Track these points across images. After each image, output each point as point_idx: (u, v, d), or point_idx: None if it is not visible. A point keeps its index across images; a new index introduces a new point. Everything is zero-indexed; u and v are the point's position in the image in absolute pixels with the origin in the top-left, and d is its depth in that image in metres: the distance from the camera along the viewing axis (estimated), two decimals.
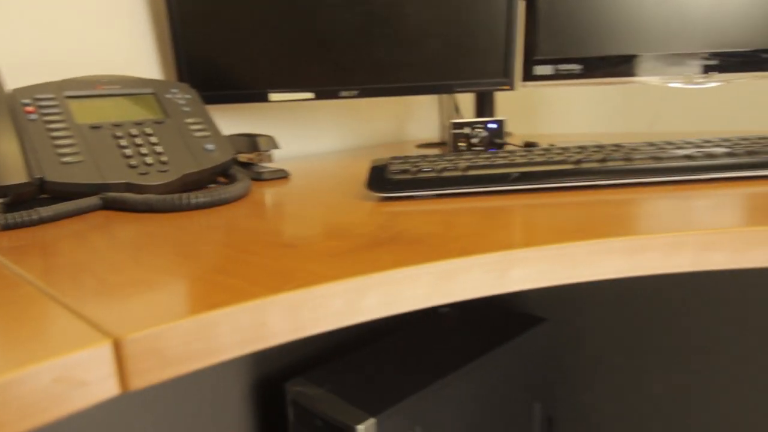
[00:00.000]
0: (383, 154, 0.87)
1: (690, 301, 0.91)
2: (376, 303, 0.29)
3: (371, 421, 0.70)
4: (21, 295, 0.28)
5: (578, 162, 0.50)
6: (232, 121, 0.91)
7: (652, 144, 0.56)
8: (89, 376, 0.22)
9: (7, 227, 0.46)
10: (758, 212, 0.36)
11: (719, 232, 0.32)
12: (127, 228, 0.45)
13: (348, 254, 0.32)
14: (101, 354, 0.22)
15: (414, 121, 1.20)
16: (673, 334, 0.94)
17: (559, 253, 0.31)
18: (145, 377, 0.23)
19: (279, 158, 0.91)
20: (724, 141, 0.56)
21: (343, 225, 0.40)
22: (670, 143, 0.56)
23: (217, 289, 0.27)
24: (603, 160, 0.50)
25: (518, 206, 0.43)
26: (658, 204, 0.41)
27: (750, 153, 0.49)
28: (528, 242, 0.32)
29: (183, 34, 0.76)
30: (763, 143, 0.52)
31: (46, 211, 0.48)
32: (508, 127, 1.35)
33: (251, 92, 0.79)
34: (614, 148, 0.55)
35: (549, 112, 1.34)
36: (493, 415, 0.88)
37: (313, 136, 1.03)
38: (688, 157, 0.50)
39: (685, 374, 0.94)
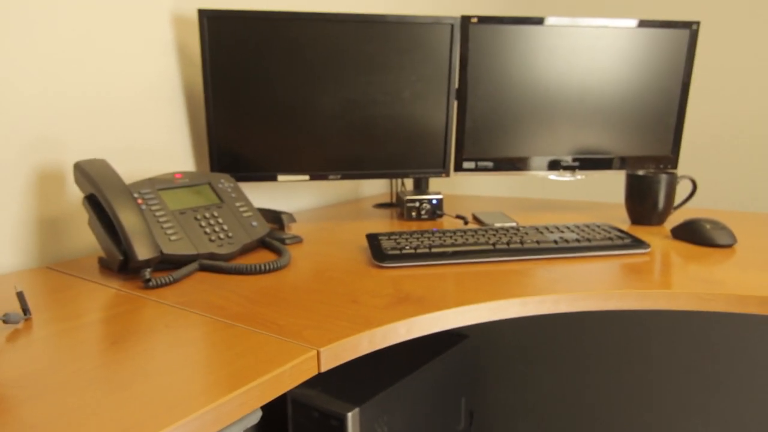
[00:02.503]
0: (350, 212, 1.19)
1: (574, 321, 1.31)
2: (406, 332, 0.62)
3: (356, 410, 1.01)
4: (241, 332, 0.58)
5: (494, 244, 0.86)
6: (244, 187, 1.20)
7: (537, 229, 0.93)
8: (307, 366, 0.53)
9: (157, 286, 0.74)
10: (585, 280, 0.73)
11: (557, 293, 0.69)
12: (233, 287, 0.74)
13: (389, 307, 0.65)
14: (312, 356, 0.53)
15: (367, 182, 1.54)
16: (561, 343, 1.33)
17: (485, 306, 0.66)
18: (327, 365, 0.54)
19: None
20: (576, 227, 0.94)
21: (373, 287, 0.72)
22: (546, 228, 0.94)
23: (338, 327, 0.59)
24: (508, 242, 0.86)
25: (462, 273, 0.78)
26: (535, 273, 0.77)
27: (587, 239, 0.88)
28: (473, 300, 0.66)
29: (216, 134, 1.05)
30: (596, 232, 0.91)
31: (175, 275, 0.76)
32: (435, 186, 1.73)
33: (264, 174, 1.09)
34: (514, 231, 0.92)
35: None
36: (435, 407, 1.22)
37: (292, 197, 1.34)
38: (555, 241, 0.87)
39: (573, 373, 1.33)
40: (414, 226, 1.12)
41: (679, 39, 1.14)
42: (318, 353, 0.54)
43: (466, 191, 1.96)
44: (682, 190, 1.13)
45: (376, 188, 1.59)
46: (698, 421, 1.15)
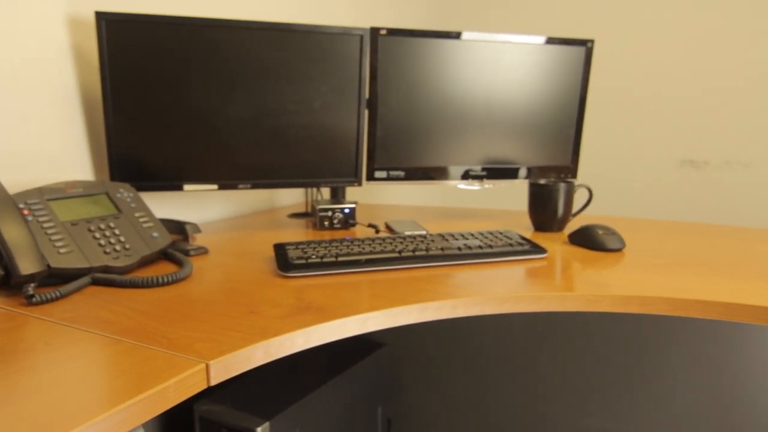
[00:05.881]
0: (263, 222, 1.17)
1: (483, 328, 1.34)
2: (304, 341, 0.61)
3: (266, 424, 0.99)
4: (128, 347, 0.56)
5: (400, 251, 0.87)
6: (150, 197, 1.16)
7: (443, 236, 0.95)
8: (194, 380, 0.51)
9: (41, 302, 0.69)
10: (485, 284, 0.76)
11: (456, 298, 0.70)
12: (127, 301, 0.71)
13: (288, 317, 0.64)
14: (200, 369, 0.52)
15: (282, 190, 1.52)
16: (475, 347, 1.36)
17: (385, 313, 0.67)
18: (217, 378, 0.53)
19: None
20: (480, 234, 0.97)
21: (275, 297, 0.71)
22: (452, 235, 0.96)
23: (232, 339, 0.58)
24: (414, 250, 0.88)
25: (367, 281, 0.78)
26: (438, 279, 0.79)
27: (489, 246, 0.91)
28: (374, 307, 0.67)
29: (116, 141, 1.01)
30: (498, 239, 0.95)
31: (63, 290, 0.72)
32: (354, 196, 1.73)
33: (169, 183, 1.06)
34: (421, 239, 0.94)
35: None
36: (350, 417, 1.22)
37: (204, 207, 1.30)
38: (459, 248, 0.90)
39: (483, 379, 1.36)
40: (327, 235, 1.12)
41: (576, 56, 1.21)
42: (207, 366, 0.52)
43: (387, 200, 1.98)
44: (582, 198, 1.20)
45: (293, 197, 1.57)
46: (609, 419, 1.21)
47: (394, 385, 1.50)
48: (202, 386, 0.52)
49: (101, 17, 0.95)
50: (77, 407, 0.44)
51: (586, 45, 1.21)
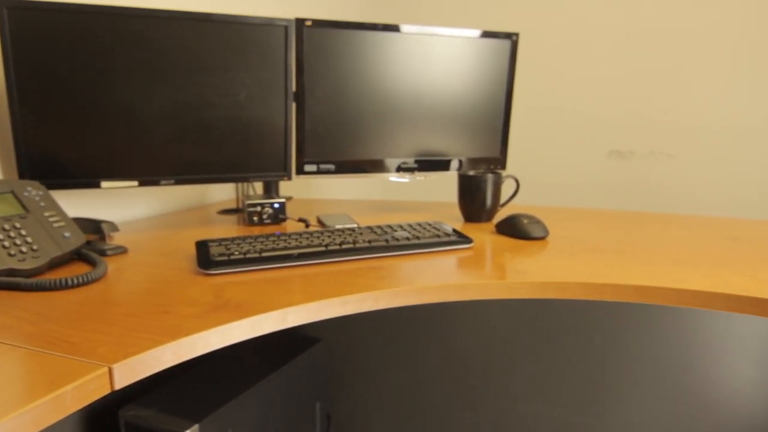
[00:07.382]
0: (191, 220, 1.14)
1: (420, 320, 1.35)
2: (220, 340, 0.59)
3: (195, 426, 0.96)
4: (24, 354, 0.52)
5: (327, 245, 0.86)
6: (67, 195, 1.10)
7: (371, 229, 0.95)
8: (95, 385, 0.49)
9: None
10: (410, 276, 0.76)
11: (379, 290, 0.70)
12: (32, 305, 0.67)
13: (203, 316, 0.62)
14: (102, 374, 0.49)
15: (213, 186, 1.48)
16: (409, 341, 1.37)
17: (305, 307, 0.66)
18: (122, 382, 0.51)
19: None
20: (408, 226, 0.97)
21: (192, 296, 0.69)
22: (381, 227, 0.96)
23: (141, 340, 0.55)
24: (341, 243, 0.87)
25: (292, 276, 0.77)
26: (364, 272, 0.78)
27: (417, 237, 0.91)
28: (294, 302, 0.66)
29: (24, 137, 0.95)
30: (426, 230, 0.95)
31: None
32: (291, 191, 1.71)
33: (86, 180, 1.01)
34: (350, 232, 0.93)
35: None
36: (287, 415, 1.20)
37: (130, 205, 1.24)
38: (386, 240, 0.89)
39: (421, 370, 1.37)
40: (256, 230, 1.10)
41: (502, 49, 1.23)
42: (110, 370, 0.50)
43: (325, 195, 1.96)
44: (511, 188, 1.22)
45: (224, 193, 1.53)
46: (541, 403, 1.24)
47: (333, 380, 1.50)
48: (105, 391, 0.50)
49: (2, 4, 0.89)
50: None
51: (511, 38, 1.23)
